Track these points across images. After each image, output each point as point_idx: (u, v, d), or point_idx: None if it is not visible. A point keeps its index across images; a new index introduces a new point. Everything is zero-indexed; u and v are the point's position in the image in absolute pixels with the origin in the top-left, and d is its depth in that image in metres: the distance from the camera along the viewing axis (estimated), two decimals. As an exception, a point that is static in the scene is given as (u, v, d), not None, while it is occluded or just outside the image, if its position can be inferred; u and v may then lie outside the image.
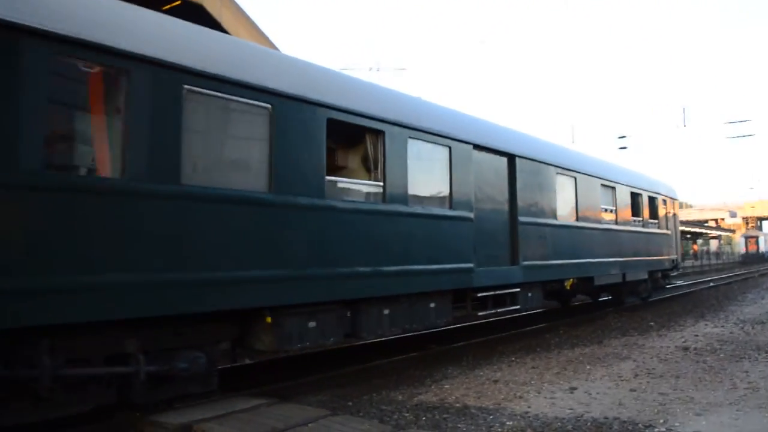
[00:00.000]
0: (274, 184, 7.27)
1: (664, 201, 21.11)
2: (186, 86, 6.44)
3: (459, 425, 6.43)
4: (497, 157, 11.67)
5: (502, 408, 7.07)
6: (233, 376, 8.82)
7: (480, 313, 11.24)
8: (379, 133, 8.94)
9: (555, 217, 13.19)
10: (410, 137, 9.43)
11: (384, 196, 8.89)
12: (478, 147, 10.99)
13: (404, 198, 9.20)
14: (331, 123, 8.13)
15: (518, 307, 11.98)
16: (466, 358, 10.56)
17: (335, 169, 9.10)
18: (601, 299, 19.91)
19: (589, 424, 6.35)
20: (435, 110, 10.83)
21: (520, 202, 11.93)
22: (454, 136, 10.41)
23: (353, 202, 8.68)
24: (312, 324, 7.78)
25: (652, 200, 19.86)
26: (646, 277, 19.14)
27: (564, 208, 13.76)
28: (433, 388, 8.29)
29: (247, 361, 10.17)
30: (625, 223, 17.28)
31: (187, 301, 6.36)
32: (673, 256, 21.63)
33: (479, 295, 10.83)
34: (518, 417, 6.65)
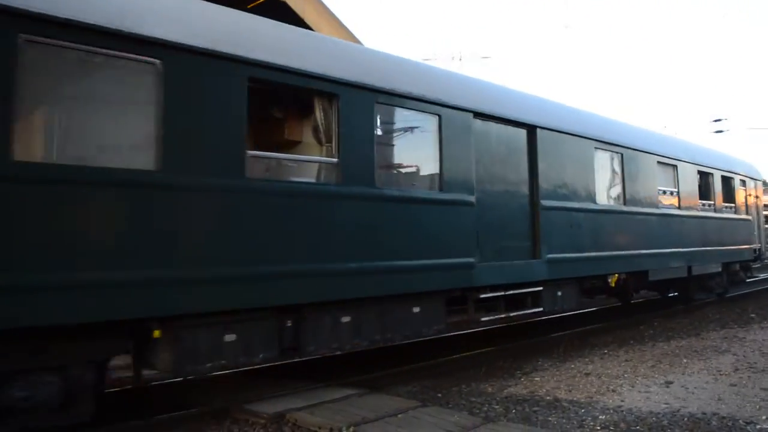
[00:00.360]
0: (164, 160, 5.80)
1: (743, 182, 18.34)
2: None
3: (550, 418, 6.36)
4: (511, 128, 9.75)
5: (595, 401, 6.94)
6: (323, 367, 9.10)
7: (484, 319, 9.31)
8: (332, 98, 7.33)
9: (593, 200, 11.17)
10: (379, 102, 7.77)
11: (340, 176, 7.24)
12: (481, 116, 9.12)
13: (369, 177, 7.52)
14: (257, 84, 6.67)
15: (540, 309, 10.10)
16: (557, 350, 10.35)
17: (282, 145, 8.19)
18: (670, 295, 17.09)
19: (685, 419, 6.17)
20: (416, 70, 9.04)
21: (544, 183, 10.02)
22: (445, 101, 8.55)
23: (289, 183, 7.28)
24: (230, 337, 6.26)
25: (726, 181, 17.20)
26: (719, 269, 16.38)
27: (606, 190, 11.87)
28: (523, 380, 8.23)
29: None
30: (691, 207, 14.81)
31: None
32: (756, 245, 18.65)
33: (483, 296, 8.97)
34: (611, 411, 6.52)
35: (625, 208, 12.09)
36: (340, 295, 7.12)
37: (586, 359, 9.53)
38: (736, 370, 8.35)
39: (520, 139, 9.94)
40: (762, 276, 24.97)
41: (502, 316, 9.46)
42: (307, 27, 13.73)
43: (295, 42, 7.44)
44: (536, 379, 8.27)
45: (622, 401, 6.91)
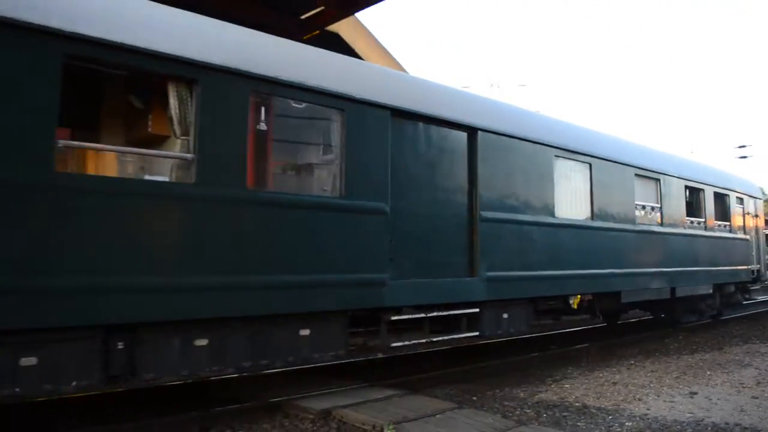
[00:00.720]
0: None
1: (740, 200, 17.06)
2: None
3: (579, 423, 6.67)
4: (445, 130, 8.58)
5: (621, 409, 7.24)
6: (368, 369, 9.57)
7: (396, 344, 7.99)
8: (191, 83, 6.16)
9: (551, 213, 9.99)
10: (259, 91, 6.63)
11: (196, 174, 6.05)
12: (403, 114, 7.99)
13: (237, 177, 6.35)
14: (79, 63, 5.58)
15: (476, 333, 8.87)
16: (585, 360, 10.79)
17: (148, 140, 7.10)
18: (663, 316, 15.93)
19: (709, 429, 6.41)
20: (316, 57, 7.61)
21: (486, 192, 8.87)
22: (353, 95, 7.39)
23: (120, 182, 6.15)
24: (28, 361, 5.12)
25: (720, 198, 16.02)
26: (710, 291, 15.24)
27: (568, 203, 10.59)
28: (553, 387, 8.58)
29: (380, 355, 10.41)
30: (676, 224, 13.60)
31: None
32: (755, 266, 17.51)
33: (397, 318, 7.86)
34: (637, 418, 6.81)
35: (592, 224, 10.97)
36: (192, 314, 5.94)
37: (614, 369, 9.87)
38: (758, 383, 8.59)
39: (457, 142, 8.76)
40: (762, 298, 22.99)
41: (423, 341, 8.34)
42: (358, 56, 14.48)
43: (137, 13, 6.06)
44: (566, 386, 8.63)
45: (648, 410, 7.20)
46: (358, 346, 8.04)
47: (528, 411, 7.25)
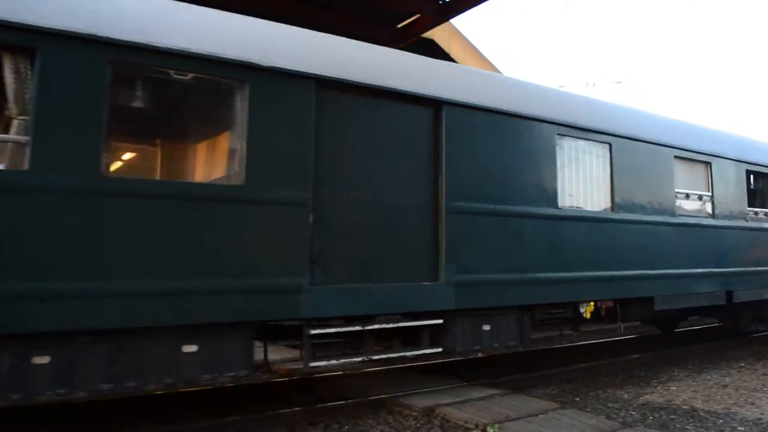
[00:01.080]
0: None
1: None
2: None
3: (687, 427, 6.52)
4: (399, 104, 7.07)
5: (733, 413, 7.04)
6: (467, 368, 9.49)
7: (316, 364, 6.52)
8: (29, 53, 5.06)
9: (551, 203, 8.31)
10: (113, 59, 5.33)
11: (31, 160, 4.94)
12: (334, 85, 6.54)
13: (90, 163, 5.16)
14: None
15: (440, 350, 7.39)
16: (692, 362, 10.43)
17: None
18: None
19: None
20: (202, 19, 6.10)
21: (455, 177, 7.30)
22: (257, 62, 6.04)
23: None
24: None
25: None
26: None
27: (578, 192, 8.90)
28: (659, 389, 8.37)
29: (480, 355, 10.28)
30: (734, 216, 11.27)
31: None
32: None
33: (319, 332, 6.37)
34: (750, 423, 6.61)
35: (612, 216, 9.10)
36: (26, 326, 4.84)
37: (723, 372, 9.54)
38: None
39: (416, 118, 7.26)
40: None
41: (358, 359, 6.94)
42: (453, 59, 14.67)
43: None
44: (672, 388, 8.40)
45: (762, 414, 6.96)
46: (273, 364, 7.32)
47: (633, 413, 7.10)
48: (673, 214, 10.02)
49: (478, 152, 7.62)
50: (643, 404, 7.51)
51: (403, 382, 8.16)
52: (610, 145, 9.23)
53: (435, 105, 7.35)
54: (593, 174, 9.11)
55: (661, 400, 7.72)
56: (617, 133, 9.35)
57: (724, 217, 11.09)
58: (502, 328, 7.91)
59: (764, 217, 12.32)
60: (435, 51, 14.98)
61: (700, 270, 10.32)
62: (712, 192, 10.96)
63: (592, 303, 9.09)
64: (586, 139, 8.99)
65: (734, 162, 11.51)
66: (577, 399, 7.79)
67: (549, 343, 12.14)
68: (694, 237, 10.38)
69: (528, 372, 9.09)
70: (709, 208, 10.93)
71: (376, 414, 6.89)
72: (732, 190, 11.39)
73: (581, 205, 8.89)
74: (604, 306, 9.28)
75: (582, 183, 8.99)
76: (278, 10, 11.00)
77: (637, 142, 9.65)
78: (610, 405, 7.47)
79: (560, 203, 8.45)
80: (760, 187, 12.67)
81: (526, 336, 8.26)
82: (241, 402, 7.39)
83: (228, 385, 7.90)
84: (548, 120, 8.43)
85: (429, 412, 6.80)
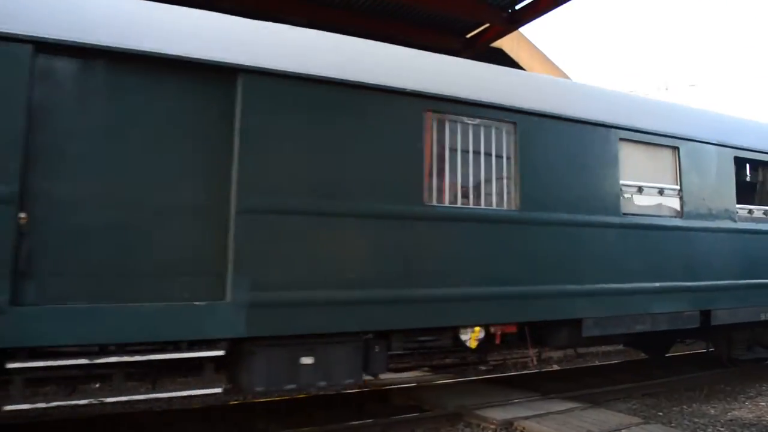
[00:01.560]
0: None
1: None
2: None
3: (781, 444, 6.30)
4: (159, 71, 5.41)
5: (829, 430, 6.74)
6: (543, 381, 9.26)
7: (9, 408, 4.74)
8: None
9: (415, 201, 6.36)
10: None
11: None
12: (61, 48, 5.04)
13: None
14: None
15: (218, 390, 5.49)
16: (784, 377, 9.96)
17: None
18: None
19: None
20: None
21: (253, 167, 5.58)
22: None
23: None
24: None
25: None
26: None
27: (446, 184, 6.69)
28: (747, 404, 8.04)
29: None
30: (711, 214, 8.68)
31: None
32: None
33: (15, 366, 4.72)
34: None
35: (517, 215, 7.02)
36: None
37: (820, 388, 9.08)
38: None
39: (189, 90, 5.53)
40: None
41: (82, 402, 5.15)
42: (521, 67, 14.65)
43: None
44: (762, 404, 8.02)
45: None
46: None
47: (721, 429, 6.83)
48: (616, 212, 7.74)
49: (287, 134, 5.81)
50: (731, 420, 7.20)
51: (478, 393, 8.07)
52: (515, 123, 7.16)
53: (229, 71, 5.63)
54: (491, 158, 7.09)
55: (750, 416, 7.40)
56: (527, 109, 7.23)
57: (699, 216, 8.57)
58: (335, 361, 6.00)
59: (763, 216, 9.64)
60: (503, 59, 14.92)
61: (659, 284, 7.98)
62: (681, 184, 8.46)
63: (477, 328, 6.87)
64: (482, 118, 6.97)
65: (716, 147, 8.95)
66: (660, 414, 7.52)
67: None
68: (651, 242, 8.01)
69: (605, 386, 8.83)
70: (675, 204, 8.41)
71: (453, 426, 6.83)
72: (712, 182, 8.83)
73: (453, 198, 6.78)
74: (499, 332, 7.05)
75: (469, 172, 6.93)
76: (344, 24, 11.16)
77: (553, 120, 7.42)
78: (696, 420, 7.19)
79: (424, 200, 6.45)
80: (758, 178, 10.04)
81: (378, 370, 6.42)
82: (312, 412, 7.43)
83: (300, 396, 7.92)
84: (414, 91, 6.46)
85: (508, 425, 6.67)
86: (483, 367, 10.32)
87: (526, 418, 6.77)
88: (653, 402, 8.14)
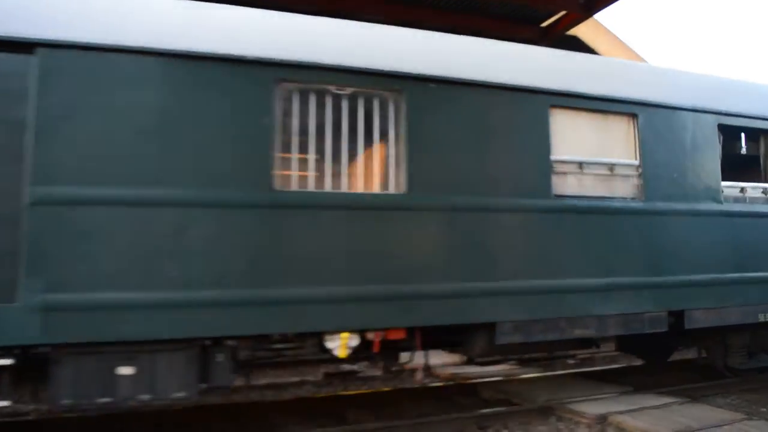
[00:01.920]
0: None
1: None
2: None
3: None
4: None
5: None
6: (635, 375, 9.01)
7: None
8: None
9: (262, 180, 5.37)
10: None
11: None
12: None
13: None
14: None
15: (7, 403, 4.99)
16: None
17: None
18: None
19: None
20: None
21: (45, 152, 4.79)
22: None
23: None
24: None
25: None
26: None
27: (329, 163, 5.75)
28: None
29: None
30: (685, 195, 7.20)
31: None
32: None
33: None
34: None
35: (403, 200, 5.89)
36: None
37: None
38: None
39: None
40: None
41: None
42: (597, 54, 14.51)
43: None
44: None
45: None
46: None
47: (832, 424, 6.50)
48: (545, 194, 6.47)
49: (88, 105, 4.96)
50: (844, 416, 6.84)
51: (567, 387, 7.94)
52: (414, 92, 6.00)
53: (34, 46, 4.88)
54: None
55: None
56: (415, 73, 6.02)
57: (667, 197, 7.12)
58: (162, 372, 5.14)
59: (761, 195, 7.99)
60: (579, 47, 14.64)
61: (608, 280, 6.65)
62: (642, 159, 7.04)
63: (345, 334, 5.80)
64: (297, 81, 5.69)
65: (692, 113, 7.44)
66: (764, 409, 7.19)
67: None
68: (596, 229, 6.70)
69: (702, 381, 8.50)
70: (633, 183, 7.04)
71: (546, 420, 6.76)
72: (686, 155, 7.33)
73: (339, 185, 5.81)
74: (378, 338, 5.93)
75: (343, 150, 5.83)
76: (419, 18, 11.22)
77: (455, 86, 6.20)
78: (803, 416, 6.85)
79: (274, 183, 5.44)
80: (756, 150, 8.30)
81: (222, 382, 5.46)
82: (402, 405, 7.42)
83: (385, 390, 7.92)
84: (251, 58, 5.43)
85: (602, 419, 6.55)
86: (571, 361, 10.12)
87: (621, 412, 6.67)
88: (755, 398, 7.74)
